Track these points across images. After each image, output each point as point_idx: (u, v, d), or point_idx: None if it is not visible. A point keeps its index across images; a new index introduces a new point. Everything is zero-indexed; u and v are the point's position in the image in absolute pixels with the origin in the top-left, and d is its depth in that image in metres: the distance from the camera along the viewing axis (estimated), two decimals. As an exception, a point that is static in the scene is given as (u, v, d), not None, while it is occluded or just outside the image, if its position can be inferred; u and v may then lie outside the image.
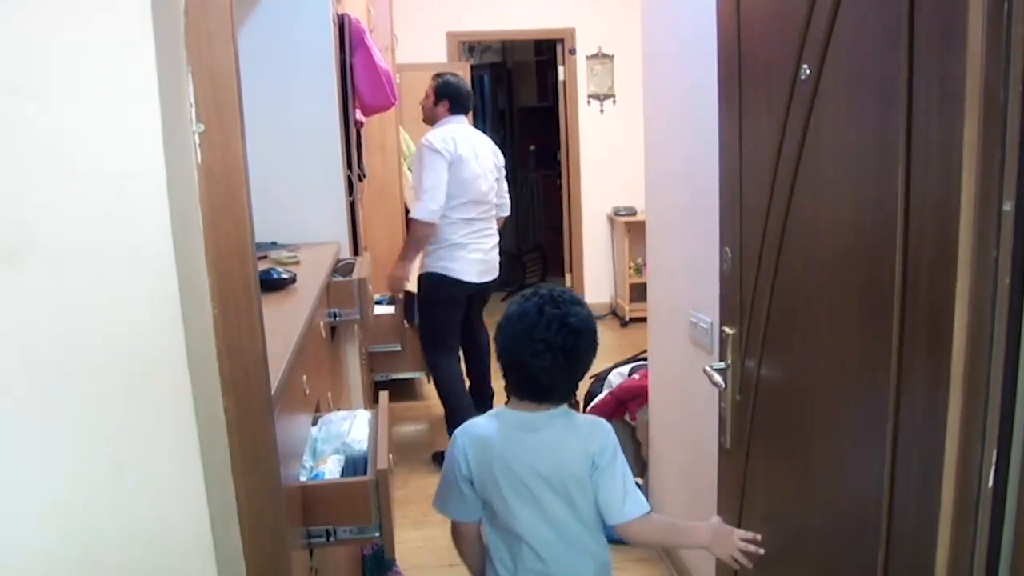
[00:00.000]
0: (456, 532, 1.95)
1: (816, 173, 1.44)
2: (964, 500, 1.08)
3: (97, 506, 1.02)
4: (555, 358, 1.73)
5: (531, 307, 1.76)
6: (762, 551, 1.74)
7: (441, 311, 4.34)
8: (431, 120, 4.31)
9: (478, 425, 1.87)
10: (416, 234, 4.13)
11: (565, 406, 1.84)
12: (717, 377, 1.85)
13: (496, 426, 1.84)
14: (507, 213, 4.49)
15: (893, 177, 1.18)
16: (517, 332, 1.76)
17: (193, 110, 1.03)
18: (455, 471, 1.84)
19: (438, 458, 4.31)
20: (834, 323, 1.42)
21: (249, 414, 1.13)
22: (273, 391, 1.26)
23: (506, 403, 1.88)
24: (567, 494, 1.78)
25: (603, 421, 1.90)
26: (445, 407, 4.45)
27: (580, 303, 1.81)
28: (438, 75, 4.38)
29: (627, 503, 1.78)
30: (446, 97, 4.26)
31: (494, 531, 1.87)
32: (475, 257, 4.24)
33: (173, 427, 1.05)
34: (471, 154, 4.17)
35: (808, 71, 1.41)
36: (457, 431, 1.90)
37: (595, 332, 1.81)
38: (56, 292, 0.96)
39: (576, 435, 1.80)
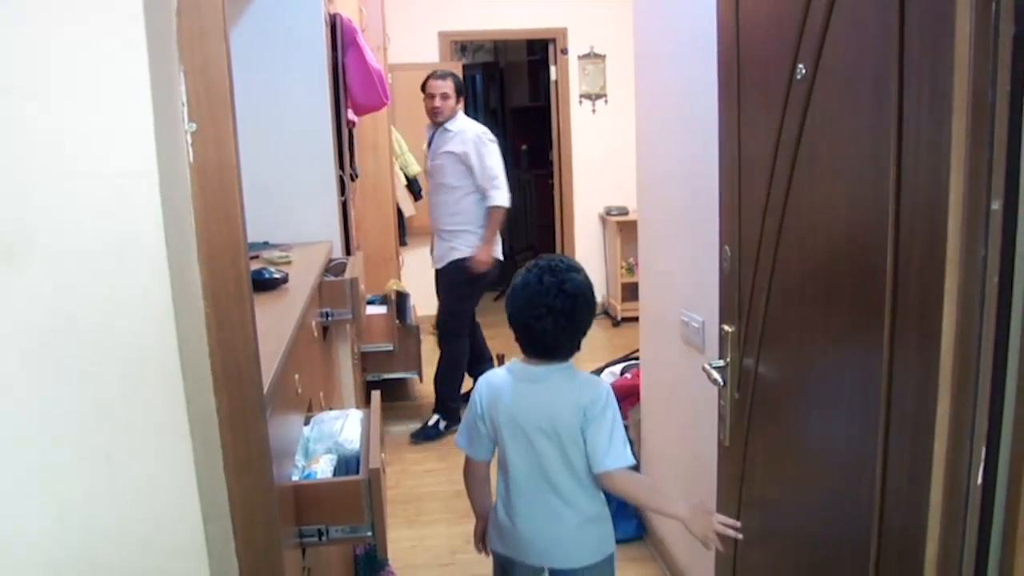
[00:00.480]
0: (467, 469, 2.20)
1: (811, 172, 1.45)
2: (953, 496, 1.09)
3: (92, 503, 1.02)
4: (556, 321, 1.95)
5: (532, 277, 1.98)
6: (740, 536, 1.81)
7: (478, 291, 4.66)
8: (449, 118, 4.46)
9: (495, 374, 2.14)
10: (498, 220, 4.51)
11: (570, 362, 2.05)
12: (716, 375, 1.86)
13: (508, 377, 2.08)
14: None
15: (886, 176, 1.19)
16: (521, 300, 1.98)
17: (185, 109, 1.03)
18: (473, 411, 2.11)
19: (416, 436, 4.60)
20: (828, 321, 1.43)
21: (241, 412, 1.14)
22: (265, 390, 1.26)
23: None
24: (560, 442, 1.98)
25: (602, 380, 2.11)
26: (444, 385, 4.64)
27: (576, 269, 2.02)
28: (447, 74, 4.49)
29: (609, 454, 1.96)
30: (462, 93, 4.53)
31: (500, 468, 2.11)
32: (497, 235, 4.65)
33: (166, 425, 1.05)
34: None
35: (804, 71, 1.42)
36: (480, 378, 2.16)
37: (591, 294, 2.02)
38: (55, 291, 0.96)
39: (572, 388, 2.01)
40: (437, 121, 4.48)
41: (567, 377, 2.03)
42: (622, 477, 1.99)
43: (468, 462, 2.19)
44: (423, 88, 4.50)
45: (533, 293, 1.96)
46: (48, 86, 0.94)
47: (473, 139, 4.42)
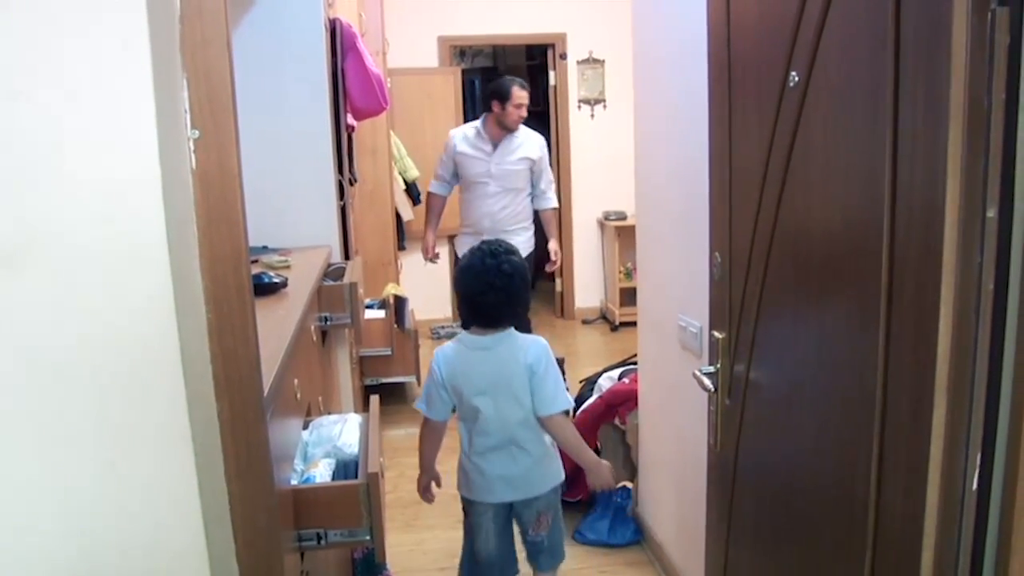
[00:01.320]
0: (427, 427, 2.55)
1: (804, 179, 1.45)
2: (949, 502, 1.10)
3: (94, 508, 1.02)
4: (497, 295, 2.36)
5: (476, 260, 2.40)
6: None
7: None
8: None
9: (448, 348, 2.49)
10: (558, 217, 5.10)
11: (511, 328, 2.45)
12: (707, 381, 1.86)
13: (460, 348, 2.46)
14: None
15: (880, 183, 1.20)
16: (467, 279, 2.41)
17: (188, 116, 1.04)
18: (434, 380, 2.46)
19: None
20: (821, 327, 1.43)
21: (242, 417, 1.14)
22: (265, 395, 1.27)
23: (467, 330, 2.49)
24: (514, 396, 2.39)
25: (539, 339, 2.50)
26: None
27: (513, 252, 2.44)
28: (526, 84, 4.68)
29: (556, 400, 2.41)
30: None
31: (461, 424, 2.50)
32: None
33: (168, 430, 1.06)
34: None
35: (796, 78, 1.43)
36: (436, 351, 2.51)
37: (525, 273, 2.46)
38: (54, 295, 0.97)
39: (518, 350, 2.42)
40: (516, 129, 4.66)
41: (511, 343, 2.43)
42: (561, 420, 2.46)
43: (427, 422, 2.53)
44: (505, 96, 4.54)
45: (477, 273, 2.38)
46: (51, 92, 0.95)
47: (540, 145, 4.78)
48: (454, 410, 2.51)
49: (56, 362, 0.97)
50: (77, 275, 0.98)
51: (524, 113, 4.60)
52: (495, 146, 4.65)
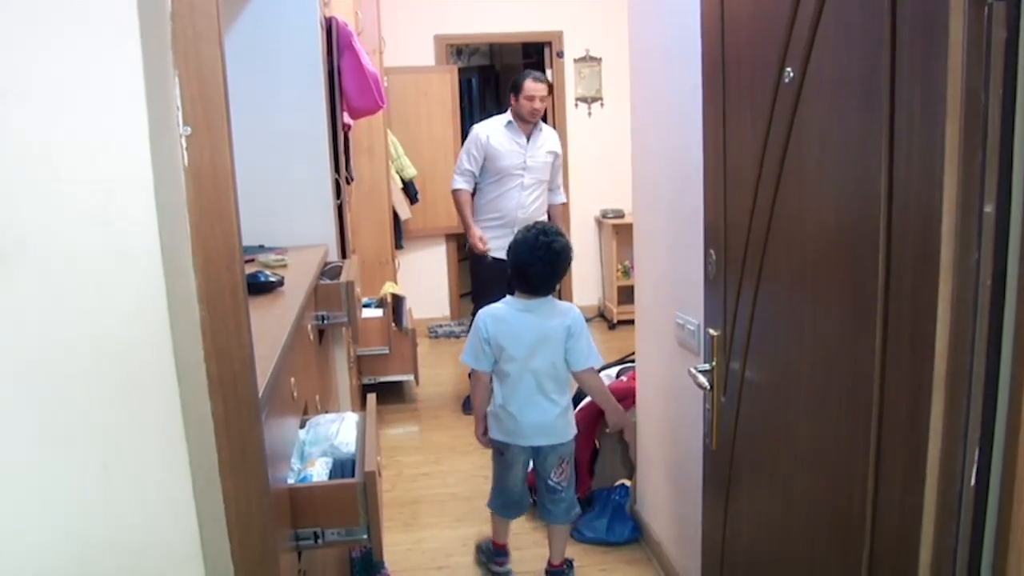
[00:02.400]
0: (475, 378, 2.99)
1: (800, 176, 1.45)
2: (947, 498, 1.10)
3: (87, 508, 1.02)
4: (544, 268, 2.79)
5: (531, 236, 2.81)
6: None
7: None
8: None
9: (496, 307, 2.90)
10: None
11: (550, 296, 2.89)
12: (702, 378, 1.86)
13: (507, 309, 2.87)
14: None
15: (877, 180, 1.19)
16: (521, 250, 2.81)
17: (180, 113, 1.03)
18: (479, 335, 2.86)
19: (466, 407, 4.87)
20: (818, 324, 1.43)
21: (237, 416, 1.14)
22: (260, 393, 1.26)
23: (512, 295, 2.90)
24: (550, 353, 2.82)
25: (573, 305, 2.95)
26: None
27: (561, 234, 2.88)
28: (542, 77, 4.69)
29: (589, 357, 2.86)
30: None
31: (495, 377, 2.90)
32: None
33: (161, 429, 1.05)
34: None
35: (792, 74, 1.42)
36: (481, 311, 2.91)
37: (570, 252, 2.88)
38: (45, 295, 0.96)
39: (557, 313, 2.86)
40: (533, 121, 4.68)
41: (551, 306, 2.86)
42: (591, 374, 2.94)
43: (476, 374, 2.95)
44: (517, 89, 4.58)
45: (531, 247, 2.78)
46: (39, 90, 0.94)
47: (558, 140, 4.91)
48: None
49: (48, 361, 0.97)
50: (69, 274, 0.97)
51: (537, 105, 4.59)
52: (528, 138, 4.68)
